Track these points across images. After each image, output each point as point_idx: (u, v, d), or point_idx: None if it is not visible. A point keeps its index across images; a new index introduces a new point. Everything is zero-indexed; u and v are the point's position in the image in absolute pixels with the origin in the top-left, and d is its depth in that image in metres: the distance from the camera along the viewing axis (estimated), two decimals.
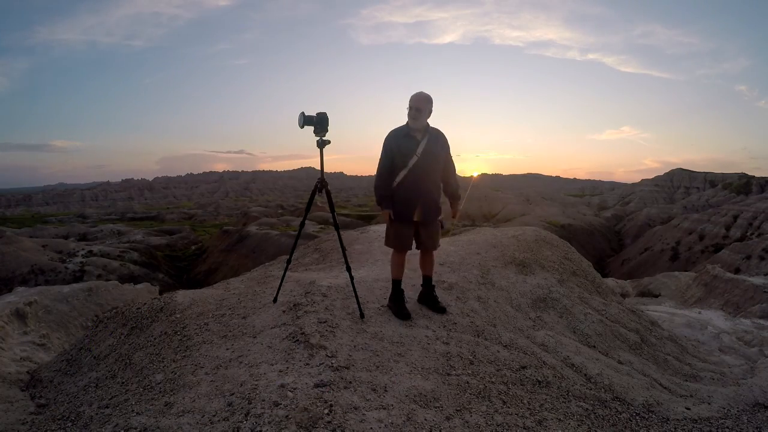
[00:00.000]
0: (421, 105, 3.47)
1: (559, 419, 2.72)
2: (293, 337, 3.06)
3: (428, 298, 3.89)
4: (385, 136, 3.55)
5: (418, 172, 3.48)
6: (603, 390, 3.25)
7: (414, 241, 3.70)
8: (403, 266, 3.73)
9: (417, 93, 3.48)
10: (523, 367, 3.20)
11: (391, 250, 3.80)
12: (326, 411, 2.29)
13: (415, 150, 3.47)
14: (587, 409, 2.94)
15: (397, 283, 3.72)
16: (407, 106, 3.49)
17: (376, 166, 3.58)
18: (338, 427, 2.20)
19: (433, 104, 3.53)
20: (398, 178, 3.49)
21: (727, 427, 3.21)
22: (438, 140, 3.58)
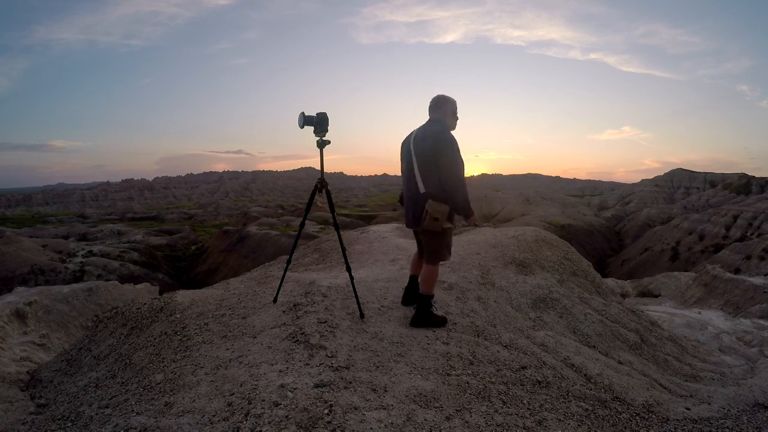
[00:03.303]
0: None
1: (559, 419, 2.71)
2: (293, 338, 3.06)
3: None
4: (450, 137, 3.33)
5: None
6: (603, 390, 3.25)
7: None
8: None
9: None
10: (523, 367, 3.20)
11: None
12: (326, 411, 2.29)
13: None
14: (587, 409, 2.94)
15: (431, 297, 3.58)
16: (453, 112, 3.43)
17: (455, 167, 3.24)
18: (338, 427, 2.20)
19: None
20: None
21: (727, 428, 3.21)
22: None
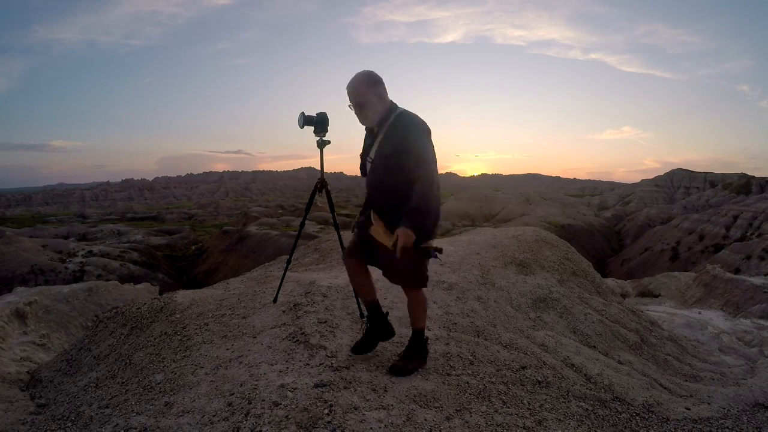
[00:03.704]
0: (361, 98, 2.55)
1: (559, 419, 2.71)
2: (293, 337, 3.06)
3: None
4: None
5: (372, 183, 2.69)
6: (603, 390, 3.25)
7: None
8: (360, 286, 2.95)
9: (352, 80, 2.56)
10: (523, 367, 3.20)
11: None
12: (326, 411, 2.29)
13: (370, 151, 2.68)
14: (587, 409, 2.94)
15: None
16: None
17: None
18: (338, 427, 2.20)
19: (383, 82, 2.59)
20: None
21: (727, 428, 3.21)
22: (396, 133, 2.54)
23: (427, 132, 2.55)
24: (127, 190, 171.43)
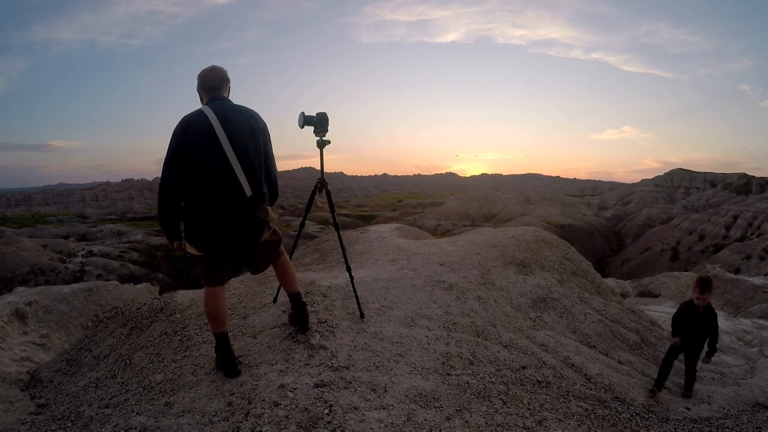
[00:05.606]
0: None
1: (559, 419, 2.71)
2: (293, 337, 3.06)
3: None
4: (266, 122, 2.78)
5: None
6: (603, 390, 3.25)
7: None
8: None
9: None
10: (523, 367, 3.20)
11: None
12: (326, 411, 2.29)
13: None
14: (587, 409, 2.94)
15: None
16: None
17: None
18: (338, 427, 2.20)
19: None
20: None
21: (727, 427, 3.21)
22: None
23: (174, 132, 2.54)
24: (127, 190, 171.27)
